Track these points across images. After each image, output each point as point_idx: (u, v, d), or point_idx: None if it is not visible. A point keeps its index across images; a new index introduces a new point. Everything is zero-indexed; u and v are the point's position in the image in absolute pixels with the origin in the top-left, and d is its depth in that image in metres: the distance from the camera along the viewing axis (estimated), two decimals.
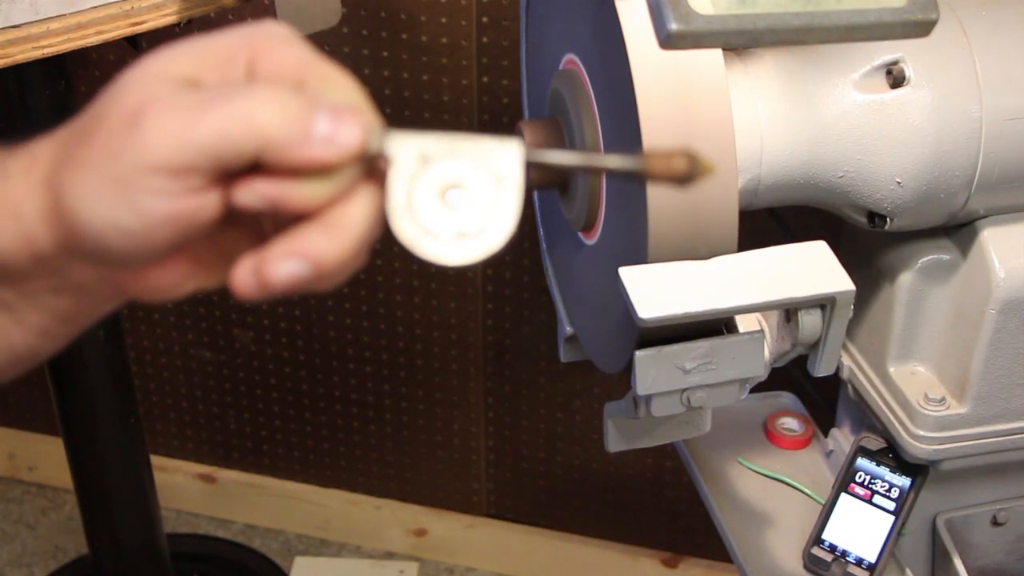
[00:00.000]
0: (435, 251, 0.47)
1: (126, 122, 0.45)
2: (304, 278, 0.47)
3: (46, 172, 0.48)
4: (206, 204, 0.47)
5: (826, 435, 1.14)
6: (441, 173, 0.47)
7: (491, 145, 0.47)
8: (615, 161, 0.48)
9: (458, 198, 0.47)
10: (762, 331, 0.88)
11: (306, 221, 0.48)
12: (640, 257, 0.87)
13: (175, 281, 0.51)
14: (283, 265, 0.47)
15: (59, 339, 0.54)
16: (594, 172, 0.50)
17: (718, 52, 0.84)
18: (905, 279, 0.96)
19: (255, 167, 0.47)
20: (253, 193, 0.47)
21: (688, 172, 0.48)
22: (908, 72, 0.87)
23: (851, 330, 1.03)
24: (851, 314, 0.87)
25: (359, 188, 0.48)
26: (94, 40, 0.97)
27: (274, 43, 0.49)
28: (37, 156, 0.49)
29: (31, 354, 0.54)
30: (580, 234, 1.02)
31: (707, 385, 0.88)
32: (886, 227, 0.92)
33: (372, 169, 0.49)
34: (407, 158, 0.47)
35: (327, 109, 0.46)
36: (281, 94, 0.46)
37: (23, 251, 0.49)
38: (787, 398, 1.19)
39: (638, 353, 0.85)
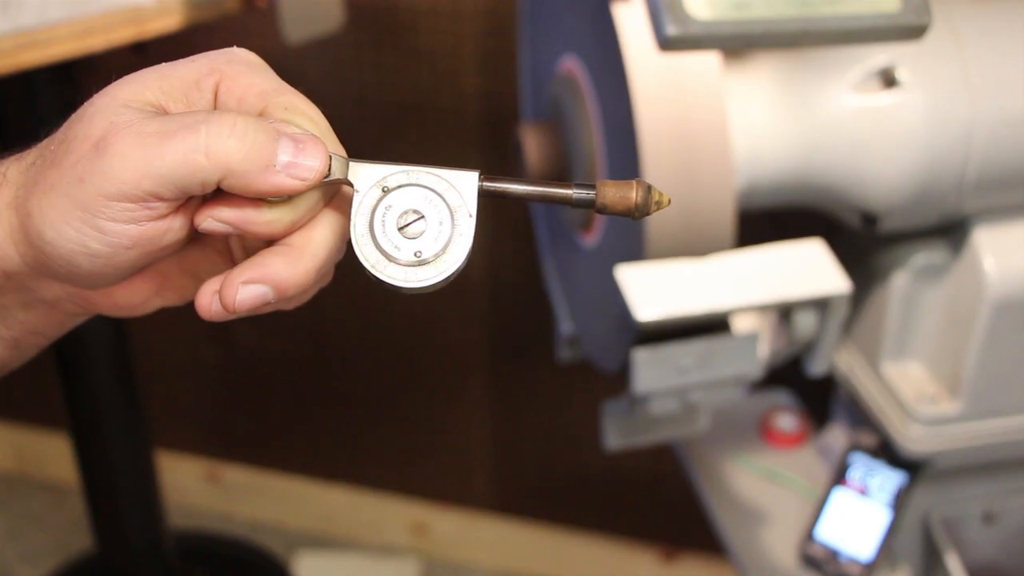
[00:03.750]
0: (395, 276, 0.48)
1: (92, 148, 0.46)
2: (266, 301, 0.48)
3: (14, 194, 0.49)
4: (171, 228, 0.47)
5: (821, 432, 1.15)
6: (401, 201, 0.49)
7: (449, 175, 0.49)
8: (571, 192, 0.49)
9: (417, 225, 0.48)
10: (758, 331, 0.89)
11: (271, 244, 0.49)
12: (638, 257, 0.87)
13: (142, 299, 0.52)
14: (245, 289, 0.48)
15: (29, 350, 0.55)
16: (550, 202, 0.51)
17: (715, 55, 0.86)
18: (898, 279, 0.97)
19: (220, 191, 0.47)
20: (215, 220, 0.48)
21: (642, 204, 0.49)
22: (901, 75, 0.88)
23: (845, 329, 1.04)
24: (846, 314, 0.88)
25: (322, 214, 0.49)
26: (101, 45, 0.98)
27: (240, 70, 0.49)
28: (6, 177, 0.49)
29: (2, 365, 0.55)
30: (579, 234, 1.03)
31: (704, 384, 0.89)
32: (879, 228, 0.93)
33: (336, 195, 0.50)
34: (369, 186, 0.49)
35: (289, 138, 0.47)
36: (243, 123, 0.46)
37: None
38: (783, 396, 1.20)
39: (636, 352, 0.86)
